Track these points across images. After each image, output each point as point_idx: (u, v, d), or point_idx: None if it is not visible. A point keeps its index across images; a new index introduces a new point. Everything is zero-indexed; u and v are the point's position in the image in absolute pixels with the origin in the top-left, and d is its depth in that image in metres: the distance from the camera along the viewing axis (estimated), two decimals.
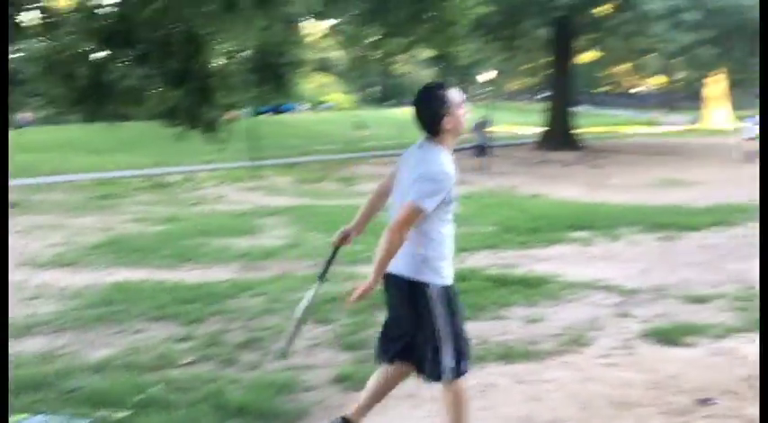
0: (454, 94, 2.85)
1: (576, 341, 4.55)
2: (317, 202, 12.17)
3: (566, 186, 14.33)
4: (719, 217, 9.54)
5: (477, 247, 8.03)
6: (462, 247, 7.96)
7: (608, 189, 14.05)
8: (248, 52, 6.94)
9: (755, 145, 18.43)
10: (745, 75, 25.53)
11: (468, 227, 9.50)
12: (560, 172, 17.46)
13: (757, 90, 36.19)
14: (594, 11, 17.54)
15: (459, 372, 2.94)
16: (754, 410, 3.38)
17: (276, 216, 10.77)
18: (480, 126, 18.30)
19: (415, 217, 2.76)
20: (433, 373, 2.94)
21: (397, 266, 2.89)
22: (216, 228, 9.59)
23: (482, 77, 34.44)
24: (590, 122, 41.42)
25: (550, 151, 22.45)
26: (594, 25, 18.93)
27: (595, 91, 74.60)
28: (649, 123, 40.10)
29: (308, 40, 32.46)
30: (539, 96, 46.03)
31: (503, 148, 23.91)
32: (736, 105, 38.21)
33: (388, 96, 76.21)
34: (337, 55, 56.12)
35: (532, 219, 9.76)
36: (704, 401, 3.51)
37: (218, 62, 7.05)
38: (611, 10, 17.42)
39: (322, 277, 3.37)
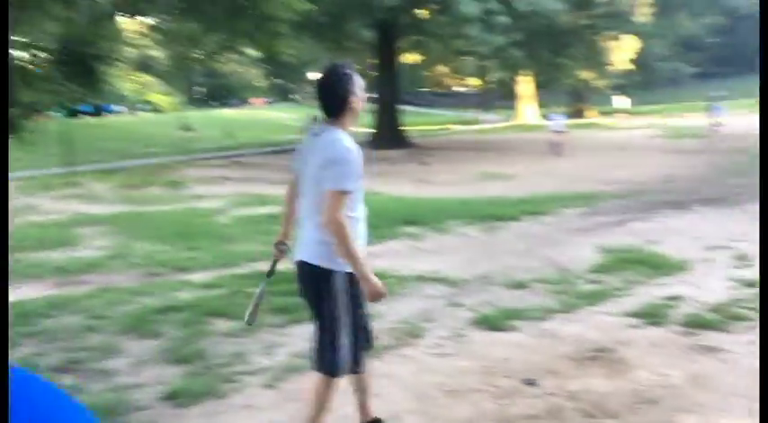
0: (357, 77, 2.84)
1: (410, 334, 4.66)
2: (142, 209, 11.50)
3: (396, 183, 14.71)
4: (533, 207, 10.25)
5: None
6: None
7: (435, 184, 14.64)
8: (54, 46, 6.36)
9: (561, 138, 20.27)
10: (550, 75, 27.77)
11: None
12: (390, 169, 17.91)
13: (563, 89, 39.05)
14: (415, 13, 18.18)
15: (350, 368, 2.92)
16: (575, 387, 3.65)
17: (96, 225, 10.04)
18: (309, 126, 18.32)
19: (342, 202, 2.70)
20: (323, 363, 2.90)
21: (305, 254, 2.88)
22: (27, 241, 8.74)
23: (312, 77, 34.51)
24: (416, 121, 43.02)
25: (380, 150, 22.91)
26: (416, 27, 19.65)
27: (420, 91, 77.74)
28: (470, 122, 42.34)
29: (123, 35, 30.80)
30: (368, 97, 46.72)
31: None
32: (544, 103, 41.50)
33: (214, 97, 74.21)
34: (158, 53, 53.80)
35: (374, 216, 9.89)
36: (530, 382, 3.72)
37: (18, 55, 6.43)
38: (430, 13, 18.17)
39: (270, 275, 3.50)
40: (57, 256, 7.94)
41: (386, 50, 21.88)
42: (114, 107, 64.00)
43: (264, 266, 7.01)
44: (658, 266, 6.23)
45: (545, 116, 21.67)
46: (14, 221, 10.59)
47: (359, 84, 2.84)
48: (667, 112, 39.62)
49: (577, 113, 42.94)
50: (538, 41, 22.34)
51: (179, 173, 18.00)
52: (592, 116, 41.23)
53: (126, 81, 72.02)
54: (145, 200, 12.72)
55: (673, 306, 5.01)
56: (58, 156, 19.40)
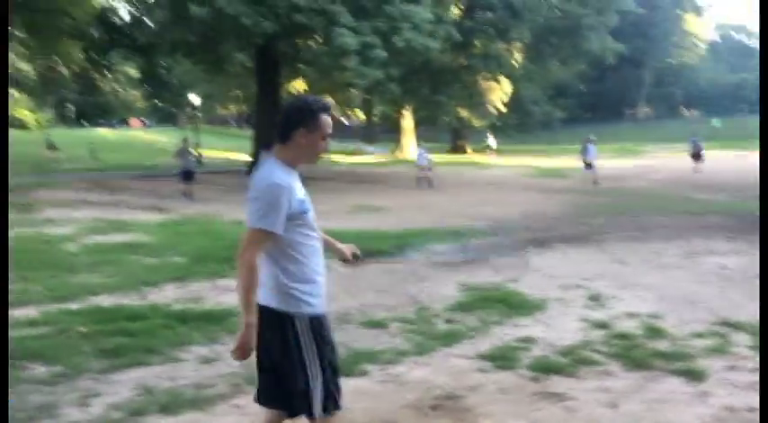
0: (323, 116, 2.69)
1: (247, 381, 4.27)
2: None
3: None
4: (401, 241, 10.17)
5: (164, 279, 7.45)
6: (145, 281, 7.36)
7: None
8: None
9: (425, 172, 20.73)
10: (430, 111, 28.40)
11: (156, 258, 8.87)
12: None
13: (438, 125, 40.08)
14: (294, 41, 18.00)
15: (328, 409, 2.72)
16: None
17: None
18: (183, 151, 17.55)
19: (258, 242, 2.58)
20: (303, 408, 2.72)
21: (262, 297, 2.67)
22: None
23: (195, 100, 33.51)
24: None
25: None
26: (294, 56, 19.44)
27: None
28: (354, 153, 42.53)
29: None
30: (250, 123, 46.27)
31: (212, 175, 23.34)
32: (427, 138, 42.46)
33: (88, 116, 70.52)
34: (25, 67, 50.63)
35: (227, 247, 9.36)
36: None
37: None
38: (309, 42, 18.05)
39: None
40: None
41: (266, 77, 21.49)
42: None
43: (104, 300, 6.49)
44: (516, 306, 6.20)
45: (418, 153, 22.09)
46: None
47: (319, 122, 2.69)
48: (539, 152, 41.60)
49: (458, 150, 44.27)
50: (416, 78, 22.81)
51: (34, 194, 16.67)
52: (486, 154, 42.63)
53: None
54: None
55: (525, 348, 4.93)
56: None
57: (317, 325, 2.72)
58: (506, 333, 5.36)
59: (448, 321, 5.77)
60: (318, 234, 2.80)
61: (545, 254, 9.26)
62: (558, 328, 5.48)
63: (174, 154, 17.37)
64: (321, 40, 17.67)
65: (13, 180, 21.10)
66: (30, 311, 5.98)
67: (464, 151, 44.29)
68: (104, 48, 22.98)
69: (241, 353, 2.63)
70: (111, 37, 22.60)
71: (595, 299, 6.41)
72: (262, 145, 24.09)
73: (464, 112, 36.44)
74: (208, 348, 5.02)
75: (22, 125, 61.89)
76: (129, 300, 6.55)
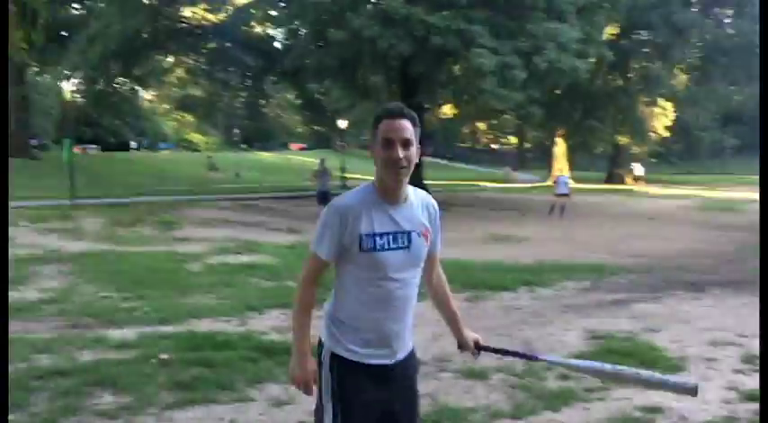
0: (383, 121, 2.20)
1: None
2: (115, 249, 10.88)
3: None
4: (531, 276, 9.30)
5: (270, 305, 7.21)
6: (252, 306, 7.14)
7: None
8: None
9: (564, 200, 19.40)
10: (581, 137, 26.87)
11: (272, 281, 8.71)
12: None
13: (594, 151, 38.08)
14: (432, 63, 17.61)
15: None
16: None
17: (58, 263, 9.43)
18: (321, 172, 17.72)
19: (311, 264, 2.27)
20: None
21: None
22: None
23: (342, 124, 34.32)
24: (445, 176, 42.39)
25: None
26: (431, 78, 19.07)
27: (457, 146, 77.58)
28: (501, 179, 41.51)
29: (167, 74, 31.35)
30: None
31: None
32: (580, 166, 40.54)
33: (252, 140, 74.92)
34: (199, 93, 54.76)
35: None
36: None
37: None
38: (447, 64, 17.62)
39: None
40: None
41: (408, 101, 21.31)
42: (164, 144, 65.30)
43: (203, 325, 6.31)
44: (649, 363, 5.20)
45: (555, 178, 20.80)
46: None
47: (378, 129, 2.21)
48: (706, 183, 38.22)
49: (614, 178, 41.78)
50: (566, 101, 21.65)
51: (181, 212, 17.49)
52: (631, 183, 40.00)
53: (169, 119, 73.71)
54: (126, 239, 12.12)
55: (649, 421, 4.02)
56: (75, 188, 19.08)
57: (348, 371, 2.24)
58: (630, 398, 4.46)
59: (561, 377, 4.94)
60: (400, 284, 2.24)
61: (698, 300, 8.02)
62: (698, 398, 4.47)
63: (312, 176, 17.59)
64: (458, 62, 17.18)
65: (168, 198, 22.53)
66: (126, 333, 5.90)
67: (621, 180, 41.76)
68: (259, 74, 24.01)
69: (297, 385, 2.29)
70: (265, 63, 23.55)
71: (751, 361, 5.28)
72: None
73: (623, 139, 34.21)
74: (283, 388, 4.58)
75: (194, 148, 66.97)
76: (228, 325, 6.33)
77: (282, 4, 20.83)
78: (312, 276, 2.27)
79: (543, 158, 47.91)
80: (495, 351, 2.67)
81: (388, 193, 2.22)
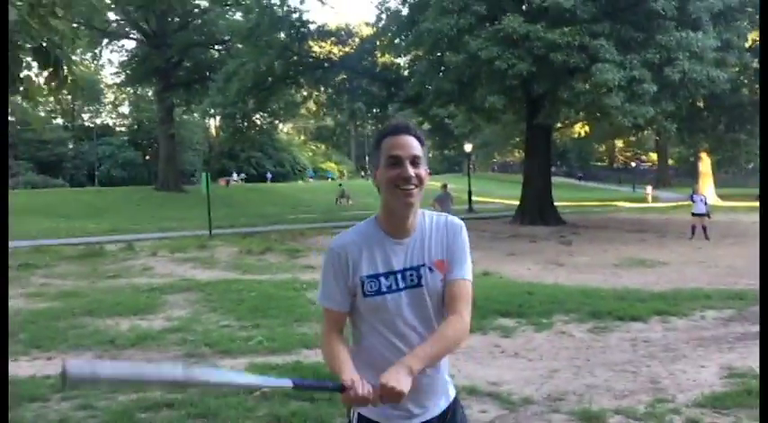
0: (386, 139, 1.95)
1: None
2: (242, 277, 11.25)
3: (521, 263, 13.42)
4: (666, 304, 8.57)
5: None
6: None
7: (566, 268, 13.09)
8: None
9: (701, 220, 17.77)
10: (726, 152, 24.86)
11: None
12: (526, 247, 16.54)
13: (747, 167, 35.24)
14: (553, 82, 16.99)
15: None
16: None
17: (188, 292, 9.87)
18: (443, 196, 17.53)
19: (325, 324, 2.00)
20: None
21: None
22: (109, 305, 8.67)
23: (467, 148, 34.10)
24: (578, 196, 40.84)
25: (524, 225, 21.63)
26: (554, 97, 18.40)
27: (592, 165, 74.83)
28: (640, 199, 39.33)
29: (300, 105, 32.81)
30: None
31: (478, 221, 23.15)
32: (723, 182, 37.53)
33: None
34: (331, 123, 56.62)
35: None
36: None
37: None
38: (573, 81, 16.90)
39: None
40: (124, 324, 7.71)
41: (532, 121, 20.78)
42: (310, 173, 68.25)
43: (313, 355, 6.28)
44: None
45: (691, 197, 19.12)
46: (116, 284, 10.73)
47: (381, 148, 1.94)
48: None
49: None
50: (706, 113, 20.14)
51: (308, 240, 17.92)
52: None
53: (305, 150, 76.87)
54: (254, 267, 12.52)
55: None
56: (216, 218, 20.14)
57: None
58: None
59: (689, 422, 4.42)
60: (416, 330, 1.96)
61: None
62: None
63: (435, 200, 17.43)
64: (582, 78, 16.45)
65: (300, 225, 23.25)
66: (238, 362, 5.99)
67: None
68: (383, 102, 24.38)
69: (349, 401, 1.88)
70: (390, 92, 23.87)
71: None
72: (529, 191, 23.49)
73: None
74: None
75: (327, 176, 69.18)
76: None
77: (404, 35, 21.09)
78: (330, 332, 1.97)
79: (687, 176, 45.03)
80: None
81: (395, 225, 1.95)
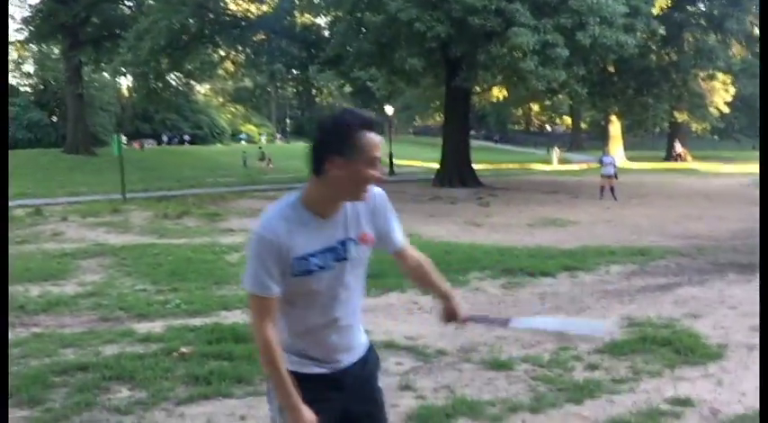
0: (365, 135, 1.90)
1: None
2: (159, 241, 11.03)
3: (440, 225, 13.71)
4: (574, 261, 9.00)
5: None
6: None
7: (483, 228, 13.49)
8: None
9: (612, 182, 18.65)
10: (635, 116, 25.95)
11: None
12: (444, 209, 16.89)
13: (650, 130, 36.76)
14: (470, 45, 17.21)
15: None
16: None
17: (101, 257, 9.61)
18: None
19: (259, 309, 1.96)
20: None
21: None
22: (18, 272, 8.31)
23: (389, 111, 34.15)
24: (495, 159, 41.77)
25: (443, 187, 22.03)
26: (471, 60, 18.64)
27: (509, 128, 76.42)
28: (560, 161, 40.61)
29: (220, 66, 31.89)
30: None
31: (399, 184, 23.38)
32: (632, 145, 39.19)
33: (304, 130, 75.47)
34: (250, 84, 55.31)
35: (378, 262, 8.96)
36: None
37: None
38: (488, 45, 17.15)
39: None
40: (33, 291, 7.47)
41: (451, 85, 21.01)
42: (243, 136, 66.68)
43: (232, 316, 6.30)
44: (685, 352, 4.96)
45: (601, 159, 19.90)
46: (24, 250, 10.33)
47: (360, 144, 1.89)
48: None
49: (674, 157, 40.39)
50: (615, 78, 20.90)
51: (229, 203, 17.68)
52: (694, 161, 38.54)
53: (224, 112, 74.98)
54: (171, 231, 12.30)
55: (677, 415, 3.79)
56: (129, 182, 19.50)
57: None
58: (660, 390, 4.22)
59: (590, 367, 4.73)
60: (341, 297, 2.04)
61: (749, 283, 7.60)
62: (733, 388, 4.22)
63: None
64: (499, 42, 16.71)
65: (219, 189, 22.86)
66: (155, 325, 5.94)
67: (682, 159, 40.32)
68: (303, 63, 24.05)
69: None
70: (310, 53, 23.55)
71: None
72: (448, 154, 23.88)
73: (681, 116, 32.95)
74: None
75: (250, 139, 67.87)
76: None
77: None
78: (267, 320, 1.95)
79: (600, 139, 46.73)
80: (475, 320, 2.45)
81: (327, 208, 1.98)
